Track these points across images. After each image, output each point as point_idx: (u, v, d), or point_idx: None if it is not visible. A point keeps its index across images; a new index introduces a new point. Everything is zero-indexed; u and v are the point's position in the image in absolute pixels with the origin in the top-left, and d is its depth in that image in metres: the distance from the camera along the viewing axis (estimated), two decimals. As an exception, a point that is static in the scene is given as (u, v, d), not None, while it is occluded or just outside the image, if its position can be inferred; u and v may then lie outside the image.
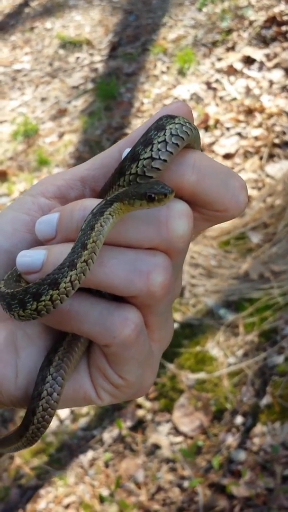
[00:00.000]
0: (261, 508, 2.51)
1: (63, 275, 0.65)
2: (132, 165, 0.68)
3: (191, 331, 3.15)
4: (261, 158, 4.08)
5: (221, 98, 4.76)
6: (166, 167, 0.68)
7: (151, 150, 0.68)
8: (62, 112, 5.40)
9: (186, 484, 2.68)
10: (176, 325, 3.19)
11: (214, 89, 4.86)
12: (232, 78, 4.87)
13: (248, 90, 4.67)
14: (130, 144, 0.73)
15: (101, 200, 0.69)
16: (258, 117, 4.38)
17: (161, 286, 0.67)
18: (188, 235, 0.67)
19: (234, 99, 4.66)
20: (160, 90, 5.09)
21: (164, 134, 0.68)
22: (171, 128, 0.68)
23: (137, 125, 4.88)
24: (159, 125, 0.69)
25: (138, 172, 0.68)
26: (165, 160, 0.67)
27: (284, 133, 4.17)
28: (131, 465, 2.83)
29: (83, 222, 0.67)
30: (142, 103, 5.06)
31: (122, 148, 0.74)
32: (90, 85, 5.56)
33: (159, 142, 0.68)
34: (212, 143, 4.36)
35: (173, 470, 2.76)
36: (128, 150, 0.71)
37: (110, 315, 0.68)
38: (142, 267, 0.67)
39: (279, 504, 2.49)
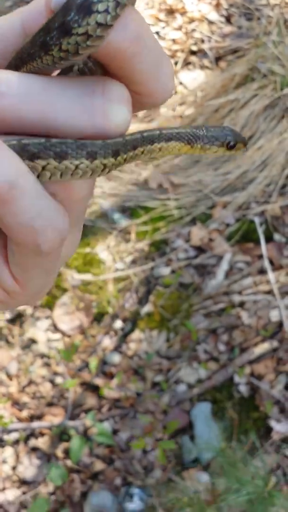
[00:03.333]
0: (128, 410, 2.61)
1: None
2: (64, 40, 0.50)
3: (82, 232, 3.07)
4: (176, 64, 3.95)
5: (143, -10, 4.49)
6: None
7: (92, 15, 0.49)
8: None
9: (58, 380, 2.71)
10: (68, 223, 3.11)
11: (138, -21, 4.57)
12: None
13: (172, -12, 4.44)
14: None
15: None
16: (179, 19, 4.20)
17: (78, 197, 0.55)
18: (127, 125, 0.55)
19: (157, -6, 4.42)
20: None
21: None
22: None
23: None
24: None
25: (69, 50, 0.51)
26: (110, 25, 0.49)
27: (202, 41, 4.04)
28: (5, 356, 2.80)
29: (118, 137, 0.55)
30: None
31: (25, 20, 0.54)
32: None
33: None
34: (128, 38, 4.14)
35: (47, 365, 2.77)
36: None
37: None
38: None
39: (145, 407, 2.59)
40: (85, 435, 2.52)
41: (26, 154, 0.52)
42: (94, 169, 0.55)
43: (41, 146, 0.52)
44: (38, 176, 0.53)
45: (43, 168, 0.53)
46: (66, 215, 0.54)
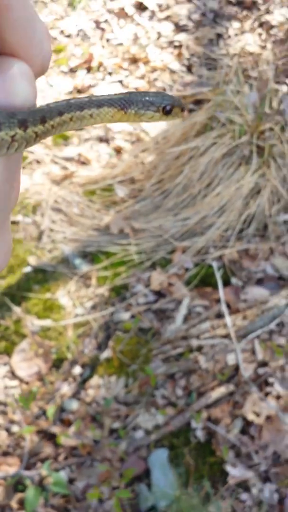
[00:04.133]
0: (85, 458, 2.58)
1: None
2: None
3: (43, 277, 3.11)
4: (138, 111, 4.04)
5: (108, 40, 4.62)
6: None
7: None
8: None
9: (14, 428, 2.68)
10: (28, 269, 3.13)
11: (103, 30, 4.70)
12: (122, 21, 4.73)
13: (136, 38, 4.57)
14: None
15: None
16: (142, 68, 4.32)
17: None
18: (33, 99, 0.51)
19: (121, 44, 4.54)
20: (47, 19, 4.84)
21: None
22: None
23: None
24: None
25: None
26: None
27: (164, 89, 4.15)
28: None
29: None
30: (26, 29, 4.78)
31: None
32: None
33: None
34: (93, 86, 4.24)
35: (3, 413, 2.74)
36: None
37: None
38: None
39: (102, 455, 2.57)
40: (41, 485, 2.49)
41: None
42: (28, 139, 0.52)
43: None
44: None
45: None
46: None
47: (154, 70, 4.28)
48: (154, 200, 3.49)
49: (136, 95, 0.61)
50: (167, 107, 0.60)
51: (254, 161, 3.30)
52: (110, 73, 4.34)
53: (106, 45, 4.57)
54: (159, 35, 4.54)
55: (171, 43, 4.46)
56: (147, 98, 0.61)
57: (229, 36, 4.38)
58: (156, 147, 3.73)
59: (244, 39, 4.32)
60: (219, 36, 4.41)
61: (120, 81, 4.26)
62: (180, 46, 4.40)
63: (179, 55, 4.33)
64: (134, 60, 4.38)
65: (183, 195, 3.42)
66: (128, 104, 0.60)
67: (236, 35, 4.37)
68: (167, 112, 0.61)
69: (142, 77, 4.27)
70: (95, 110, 0.58)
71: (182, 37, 4.46)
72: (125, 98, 0.60)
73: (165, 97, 0.61)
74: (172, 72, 4.26)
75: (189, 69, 4.27)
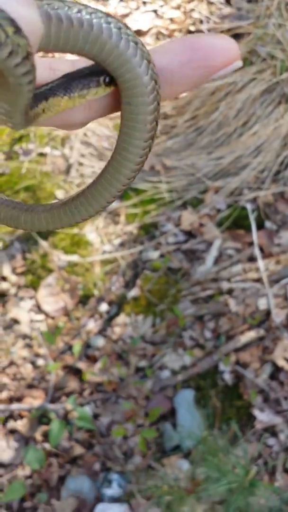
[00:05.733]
0: (110, 395, 2.56)
1: None
2: None
3: (70, 212, 3.03)
4: (173, 44, 3.86)
5: None
6: None
7: None
8: None
9: (40, 362, 2.66)
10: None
11: None
12: None
13: None
14: None
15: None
16: (178, -2, 4.11)
17: None
18: None
19: (157, -28, 4.32)
20: None
21: None
22: None
23: None
24: None
25: None
26: None
27: (201, 21, 3.96)
28: (-13, 336, 2.75)
29: None
30: None
31: None
32: None
33: None
34: (126, 15, 4.05)
35: (29, 346, 2.72)
36: None
37: None
38: None
39: (127, 393, 2.55)
40: (65, 419, 2.48)
41: None
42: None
43: None
44: None
45: None
46: None
47: (190, 0, 4.07)
48: (187, 137, 3.36)
49: (73, 75, 0.55)
50: (106, 78, 0.54)
51: (295, 100, 3.15)
52: (144, 3, 4.13)
53: (141, -28, 4.34)
54: None
55: (210, -28, 4.22)
56: (85, 77, 0.55)
57: None
58: (191, 82, 3.57)
59: None
60: None
61: (155, 11, 4.06)
62: (219, -24, 4.16)
63: (218, -15, 4.11)
64: (170, -11, 4.16)
65: (218, 133, 3.28)
66: (69, 88, 0.55)
67: None
68: (110, 83, 0.54)
69: (178, 7, 4.06)
70: (45, 103, 0.54)
71: None
72: (64, 82, 0.55)
73: (99, 68, 0.55)
74: (210, 3, 4.04)
75: (227, 0, 4.05)
